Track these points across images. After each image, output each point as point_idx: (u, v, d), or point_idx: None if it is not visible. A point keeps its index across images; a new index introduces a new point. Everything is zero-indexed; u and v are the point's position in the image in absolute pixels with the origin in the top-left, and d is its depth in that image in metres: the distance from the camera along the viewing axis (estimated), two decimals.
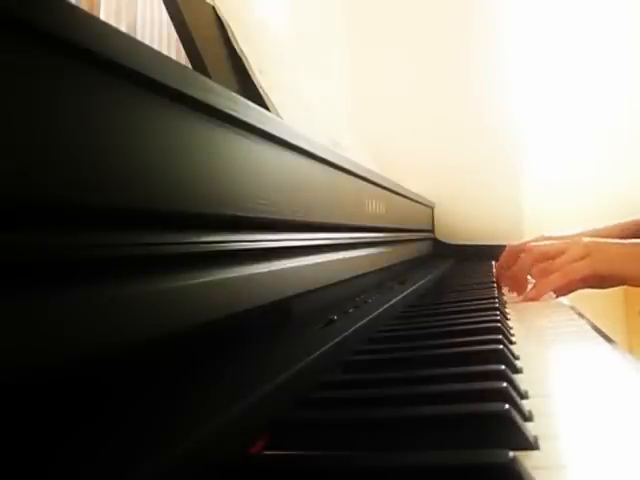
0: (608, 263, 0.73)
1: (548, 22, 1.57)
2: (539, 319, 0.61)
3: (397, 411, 0.28)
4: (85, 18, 0.22)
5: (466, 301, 0.69)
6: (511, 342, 0.46)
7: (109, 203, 0.23)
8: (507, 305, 0.73)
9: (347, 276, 0.60)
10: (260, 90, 0.67)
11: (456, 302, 0.70)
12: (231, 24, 0.71)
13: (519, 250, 0.90)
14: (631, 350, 1.45)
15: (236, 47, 0.70)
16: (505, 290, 0.86)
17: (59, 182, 0.21)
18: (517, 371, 0.37)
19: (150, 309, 0.25)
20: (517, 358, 0.41)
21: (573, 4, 1.56)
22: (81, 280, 0.21)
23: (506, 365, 0.34)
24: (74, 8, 0.22)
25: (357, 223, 0.68)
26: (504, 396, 0.28)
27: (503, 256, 0.96)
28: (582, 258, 0.74)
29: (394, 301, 0.64)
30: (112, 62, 0.23)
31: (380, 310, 0.56)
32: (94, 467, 0.18)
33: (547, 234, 0.97)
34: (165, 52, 0.78)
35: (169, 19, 0.62)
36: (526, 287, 0.80)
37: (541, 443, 0.25)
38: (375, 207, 0.78)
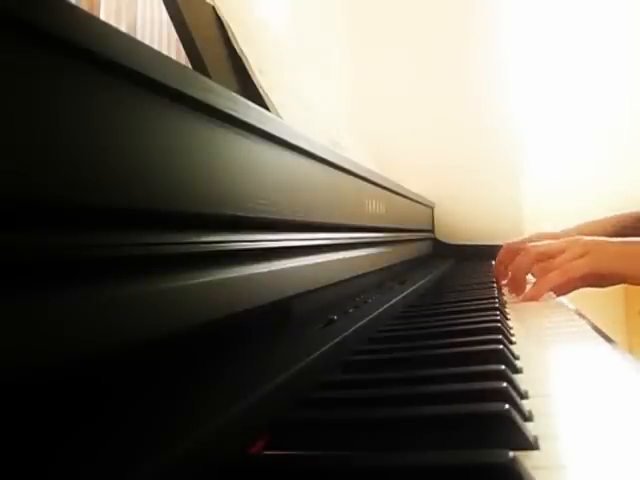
0: (607, 261, 0.73)
1: (548, 22, 1.57)
2: (539, 319, 0.61)
3: (397, 411, 0.28)
4: (85, 18, 0.22)
5: (466, 301, 0.69)
6: (511, 342, 0.46)
7: (109, 203, 0.23)
8: (507, 305, 0.73)
9: (347, 276, 0.60)
10: (260, 90, 0.67)
11: (456, 302, 0.70)
12: (231, 24, 0.71)
13: (516, 248, 0.90)
14: (631, 350, 1.45)
15: (236, 47, 0.70)
16: (505, 290, 0.86)
17: (59, 182, 0.21)
18: (517, 371, 0.37)
19: (150, 309, 0.25)
20: (517, 358, 0.41)
21: (573, 4, 1.56)
22: (81, 280, 0.21)
23: (506, 365, 0.34)
24: (74, 8, 0.22)
25: (357, 223, 0.68)
26: (504, 396, 0.28)
27: (500, 254, 0.97)
28: (581, 256, 0.74)
29: (394, 301, 0.64)
30: (112, 62, 0.23)
31: (380, 310, 0.56)
32: (94, 467, 0.18)
33: (542, 231, 0.98)
34: (165, 52, 0.78)
35: (169, 19, 0.62)
36: (525, 287, 0.80)
37: (541, 443, 0.25)
38: (375, 207, 0.78)
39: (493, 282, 0.87)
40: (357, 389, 0.34)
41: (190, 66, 0.60)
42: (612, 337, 0.47)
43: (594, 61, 1.54)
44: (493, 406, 0.26)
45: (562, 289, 0.77)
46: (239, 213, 0.35)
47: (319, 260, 0.51)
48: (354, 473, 0.22)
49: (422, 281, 0.87)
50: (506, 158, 1.56)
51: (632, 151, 1.50)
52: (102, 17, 0.96)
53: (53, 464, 0.18)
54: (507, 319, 0.59)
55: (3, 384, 0.17)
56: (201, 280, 0.30)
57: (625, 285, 1.47)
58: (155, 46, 0.95)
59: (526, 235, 1.02)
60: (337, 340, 0.41)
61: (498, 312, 0.57)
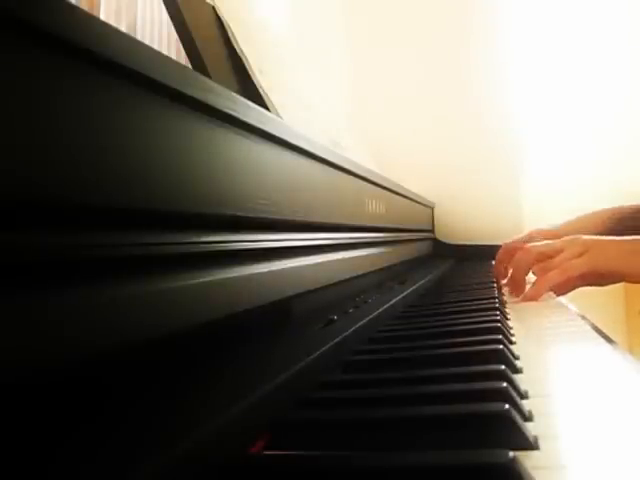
0: (606, 260, 0.74)
1: (548, 22, 1.57)
2: (539, 319, 0.61)
3: (397, 411, 0.27)
4: (85, 18, 0.22)
5: (466, 301, 0.69)
6: (511, 342, 0.46)
7: (109, 203, 0.23)
8: (507, 305, 0.73)
9: (347, 276, 0.60)
10: (260, 90, 0.67)
11: (456, 302, 0.70)
12: (231, 24, 0.71)
13: (514, 247, 0.90)
14: (631, 350, 1.45)
15: (236, 47, 0.70)
16: (505, 290, 0.86)
17: (59, 182, 0.21)
18: (517, 371, 0.37)
19: (150, 309, 0.25)
20: (517, 358, 0.41)
21: (573, 4, 1.56)
22: (81, 280, 0.21)
23: (506, 365, 0.34)
24: (74, 8, 0.22)
25: (357, 223, 0.68)
26: (504, 396, 0.28)
27: (500, 254, 0.97)
28: (580, 255, 0.74)
29: (394, 301, 0.64)
30: (112, 62, 0.23)
31: (380, 310, 0.56)
32: (94, 467, 0.18)
33: (540, 228, 0.98)
34: (165, 52, 0.78)
35: (169, 19, 0.62)
36: (525, 287, 0.80)
37: (541, 443, 0.25)
38: (375, 207, 0.78)
39: (493, 282, 0.87)
40: (357, 389, 0.34)
41: (190, 66, 0.60)
42: (612, 337, 0.47)
43: (594, 61, 1.54)
44: (493, 406, 0.26)
45: (562, 288, 0.77)
46: (239, 213, 0.35)
47: (319, 260, 0.51)
48: (354, 473, 0.22)
49: (422, 281, 0.87)
50: (506, 158, 1.56)
51: (632, 151, 1.50)
52: (102, 17, 0.96)
53: (53, 464, 0.18)
54: (507, 319, 0.59)
55: (3, 384, 0.17)
56: (201, 280, 0.30)
57: (625, 285, 1.47)
58: (155, 46, 0.95)
59: (525, 233, 1.02)
60: (337, 340, 0.41)
61: (498, 312, 0.57)
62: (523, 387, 0.32)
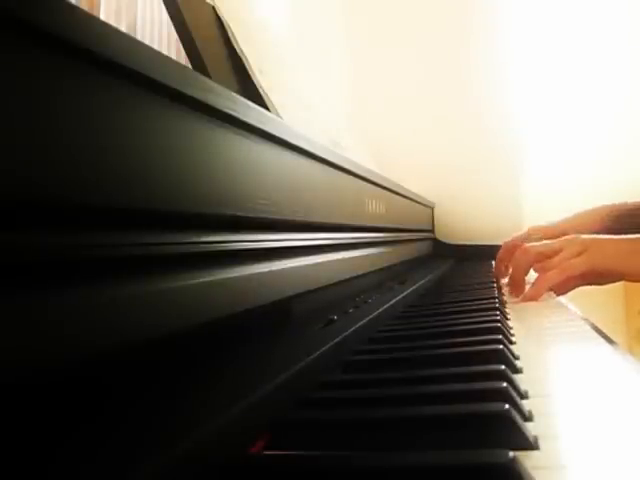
0: (605, 259, 0.74)
1: (548, 22, 1.57)
2: (539, 319, 0.61)
3: (397, 411, 0.27)
4: (85, 18, 0.22)
5: (466, 301, 0.69)
6: (511, 342, 0.46)
7: (109, 203, 0.23)
8: (507, 305, 0.73)
9: (347, 276, 0.60)
10: (260, 90, 0.67)
11: (456, 302, 0.70)
12: (231, 24, 0.71)
13: (514, 246, 0.90)
14: (631, 350, 1.45)
15: (236, 47, 0.70)
16: (505, 290, 0.86)
17: (59, 182, 0.21)
18: (517, 371, 0.37)
19: (150, 309, 0.25)
20: (517, 358, 0.41)
21: (573, 4, 1.56)
22: (81, 280, 0.21)
23: (506, 365, 0.34)
24: (74, 8, 0.22)
25: (357, 223, 0.68)
26: (504, 396, 0.28)
27: (500, 253, 0.97)
28: (579, 254, 0.74)
29: (394, 301, 0.64)
30: (112, 62, 0.23)
31: (380, 310, 0.56)
32: (94, 467, 0.18)
33: (539, 224, 0.98)
34: (165, 52, 0.78)
35: (169, 19, 0.62)
36: (524, 287, 0.80)
37: (541, 443, 0.25)
38: (375, 207, 0.79)
39: (493, 282, 0.87)
40: (357, 389, 0.34)
41: (190, 66, 0.60)
42: (612, 337, 0.47)
43: (594, 61, 1.54)
44: (493, 406, 0.26)
45: (561, 288, 0.77)
46: (239, 213, 0.35)
47: (319, 260, 0.51)
48: (354, 473, 0.22)
49: (422, 281, 0.87)
50: (506, 158, 1.56)
51: (631, 151, 1.50)
52: (102, 17, 0.96)
53: (53, 464, 0.18)
54: (507, 319, 0.59)
55: (3, 384, 0.17)
56: (201, 280, 0.30)
57: (625, 285, 1.47)
58: (155, 46, 0.95)
59: (525, 230, 1.02)
60: (337, 340, 0.41)
61: (498, 312, 0.57)
62: (523, 387, 0.32)
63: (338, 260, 0.57)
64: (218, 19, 0.71)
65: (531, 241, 0.86)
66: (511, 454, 0.21)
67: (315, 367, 0.35)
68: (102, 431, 0.21)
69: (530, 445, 0.24)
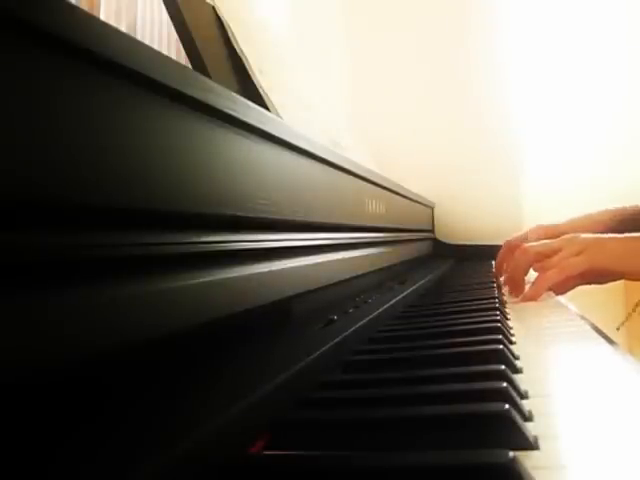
0: (605, 258, 0.74)
1: (547, 22, 1.57)
2: (539, 319, 0.61)
3: (397, 411, 0.28)
4: (85, 18, 0.22)
5: (466, 301, 0.69)
6: (511, 342, 0.46)
7: (109, 203, 0.23)
8: (507, 305, 0.73)
9: (347, 276, 0.60)
10: (260, 90, 0.67)
11: (456, 302, 0.70)
12: (231, 24, 0.71)
13: (515, 245, 0.90)
14: (631, 350, 1.45)
15: (236, 47, 0.70)
16: (505, 290, 0.86)
17: (59, 182, 0.21)
18: (517, 371, 0.37)
19: (150, 309, 0.25)
20: (517, 358, 0.41)
21: (572, 4, 1.56)
22: (81, 280, 0.21)
23: (506, 365, 0.34)
24: (74, 8, 0.22)
25: (357, 223, 0.68)
26: (504, 396, 0.28)
27: (501, 253, 0.97)
28: (579, 254, 0.74)
29: (394, 301, 0.64)
30: (112, 62, 0.23)
31: (380, 310, 0.56)
32: (94, 467, 0.18)
33: (541, 224, 0.98)
34: (165, 52, 0.78)
35: (169, 19, 0.62)
36: (524, 288, 0.80)
37: (541, 443, 0.25)
38: (375, 207, 0.79)
39: (493, 282, 0.87)
40: (357, 389, 0.34)
41: (190, 66, 0.60)
42: (612, 337, 0.47)
43: (593, 61, 1.54)
44: (493, 406, 0.26)
45: (561, 287, 0.77)
46: (239, 213, 0.35)
47: (319, 260, 0.51)
48: (354, 473, 0.22)
49: (422, 281, 0.87)
50: (506, 158, 1.56)
51: (630, 151, 1.50)
52: (102, 17, 0.96)
53: (53, 464, 0.18)
54: (507, 319, 0.59)
55: (3, 384, 0.17)
56: (201, 280, 0.30)
57: (625, 285, 1.47)
58: (155, 46, 0.95)
59: (526, 229, 1.02)
60: (337, 340, 0.41)
61: (498, 312, 0.57)
62: (523, 387, 0.32)
63: (338, 260, 0.57)
64: (218, 19, 0.71)
65: (531, 241, 0.86)
66: (511, 454, 0.21)
67: (315, 367, 0.35)
68: (102, 431, 0.21)
69: (530, 445, 0.24)
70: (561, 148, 1.57)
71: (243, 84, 0.68)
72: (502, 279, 0.93)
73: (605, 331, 0.50)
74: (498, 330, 0.46)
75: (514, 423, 0.25)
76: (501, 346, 0.39)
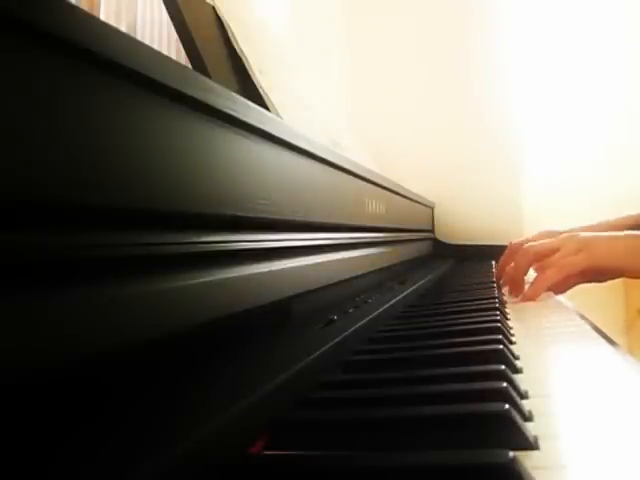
0: (605, 256, 0.74)
1: (547, 22, 1.57)
2: (539, 319, 0.61)
3: (397, 411, 0.27)
4: (85, 18, 0.22)
5: (466, 301, 0.69)
6: (511, 342, 0.46)
7: (109, 203, 0.23)
8: (507, 305, 0.73)
9: (347, 276, 0.60)
10: (260, 90, 0.67)
11: (456, 302, 0.70)
12: (231, 24, 0.71)
13: (518, 248, 0.90)
14: (631, 351, 1.45)
15: (236, 47, 0.70)
16: (505, 290, 0.86)
17: (59, 182, 0.21)
18: (517, 371, 0.37)
19: (150, 309, 0.25)
20: (517, 358, 0.41)
21: (572, 4, 1.56)
22: (81, 280, 0.21)
23: (506, 365, 0.34)
24: (74, 8, 0.22)
25: (357, 223, 0.68)
26: (504, 396, 0.28)
27: (505, 255, 0.96)
28: (578, 252, 0.74)
29: (394, 301, 0.64)
30: (112, 62, 0.23)
31: (380, 310, 0.56)
32: (94, 467, 0.18)
33: (549, 229, 0.97)
34: (165, 52, 0.78)
35: (169, 19, 0.62)
36: (524, 288, 0.80)
37: (541, 443, 0.25)
38: (375, 207, 0.79)
39: (493, 282, 0.87)
40: (357, 389, 0.34)
41: (190, 66, 0.60)
42: (612, 337, 0.47)
43: (593, 62, 1.54)
44: (493, 406, 0.26)
45: (561, 286, 0.77)
46: (239, 213, 0.35)
47: (319, 260, 0.51)
48: (354, 473, 0.22)
49: (422, 281, 0.87)
50: (506, 158, 1.56)
51: (630, 151, 1.50)
52: (102, 17, 0.96)
53: (53, 464, 0.18)
54: (507, 319, 0.59)
55: (3, 384, 0.17)
56: (201, 280, 0.30)
57: (625, 285, 1.47)
58: (155, 46, 0.95)
59: (534, 233, 1.01)
60: (337, 340, 0.41)
61: (498, 312, 0.57)
62: (523, 387, 0.32)
63: (338, 260, 0.57)
64: (218, 19, 0.71)
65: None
66: (511, 454, 0.21)
67: (315, 367, 0.35)
68: (102, 431, 0.21)
69: (530, 445, 0.24)
70: (561, 148, 1.57)
71: (243, 84, 0.68)
72: (502, 280, 0.93)
73: (605, 331, 0.50)
74: (498, 330, 0.46)
75: (514, 423, 0.25)
76: (501, 346, 0.39)
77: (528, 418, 0.28)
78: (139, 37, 1.04)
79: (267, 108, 0.66)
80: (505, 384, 0.29)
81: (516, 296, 0.80)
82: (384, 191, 0.86)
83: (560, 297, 0.77)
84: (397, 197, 0.98)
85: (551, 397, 0.32)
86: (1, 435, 0.19)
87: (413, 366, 0.39)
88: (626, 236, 0.75)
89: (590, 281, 0.79)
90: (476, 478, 0.20)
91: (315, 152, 0.51)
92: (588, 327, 0.52)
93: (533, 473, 0.21)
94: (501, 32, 1.57)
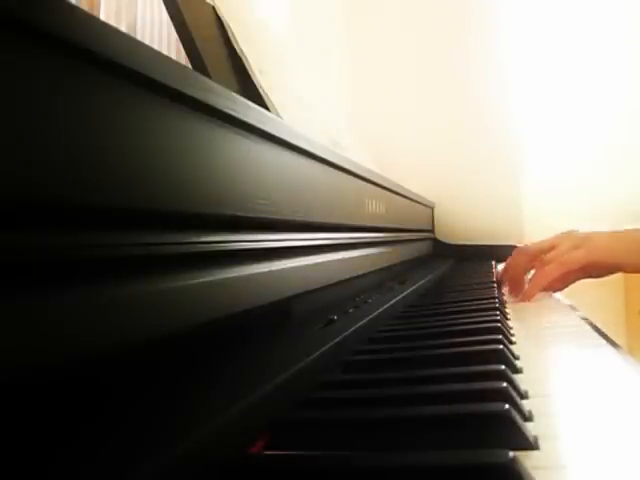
0: (604, 251, 0.74)
1: (547, 22, 1.57)
2: (539, 319, 0.61)
3: (397, 411, 0.28)
4: (85, 18, 0.22)
5: (466, 301, 0.69)
6: (511, 342, 0.46)
7: (109, 203, 0.23)
8: (507, 305, 0.73)
9: (347, 276, 0.60)
10: (260, 90, 0.67)
11: (456, 302, 0.70)
12: (231, 24, 0.71)
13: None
14: (631, 351, 1.45)
15: (236, 47, 0.70)
16: (505, 290, 0.86)
17: (59, 182, 0.21)
18: (517, 371, 0.37)
19: (150, 309, 0.25)
20: (517, 358, 0.41)
21: (572, 4, 1.56)
22: (81, 280, 0.21)
23: (506, 365, 0.34)
24: (74, 8, 0.22)
25: (357, 223, 0.68)
26: (504, 396, 0.28)
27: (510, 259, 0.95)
28: (576, 248, 0.74)
29: (394, 301, 0.64)
30: (112, 62, 0.23)
31: (380, 310, 0.56)
32: (94, 467, 0.18)
33: (568, 230, 0.96)
34: (165, 52, 0.78)
35: (169, 19, 0.62)
36: (524, 287, 0.80)
37: (541, 443, 0.25)
38: (375, 207, 0.78)
39: (493, 282, 0.87)
40: (357, 389, 0.34)
41: (190, 66, 0.60)
42: (612, 337, 0.47)
43: (593, 62, 1.54)
44: (493, 406, 0.26)
45: (560, 282, 0.77)
46: (239, 213, 0.35)
47: (319, 260, 0.51)
48: (354, 473, 0.22)
49: (422, 281, 0.87)
50: (506, 158, 1.56)
51: (630, 151, 1.50)
52: (102, 17, 0.96)
53: (53, 464, 0.18)
54: (507, 319, 0.59)
55: (3, 384, 0.17)
56: (201, 280, 0.30)
57: (625, 284, 1.47)
58: (155, 46, 0.95)
59: (527, 237, 1.01)
60: (337, 340, 0.41)
61: (498, 312, 0.57)
62: (523, 387, 0.32)
63: (338, 260, 0.57)
64: (218, 19, 0.71)
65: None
66: (511, 454, 0.21)
67: (315, 367, 0.35)
68: (102, 431, 0.21)
69: (530, 445, 0.24)
70: (561, 148, 1.57)
71: (243, 84, 0.68)
72: (502, 279, 0.92)
73: (605, 331, 0.50)
74: (498, 330, 0.46)
75: (514, 423, 0.25)
76: (501, 346, 0.39)
77: (528, 418, 0.28)
78: (139, 37, 1.04)
79: (267, 108, 0.66)
80: (505, 384, 0.29)
81: (516, 296, 0.80)
82: (384, 191, 0.86)
83: (559, 297, 0.77)
84: (397, 197, 0.98)
85: (551, 397, 0.32)
86: (1, 435, 0.19)
87: (413, 366, 0.39)
88: (625, 231, 0.75)
89: (589, 276, 0.79)
90: (476, 478, 0.20)
91: (315, 152, 0.51)
92: (588, 327, 0.52)
93: (533, 473, 0.21)
94: (501, 32, 1.58)
